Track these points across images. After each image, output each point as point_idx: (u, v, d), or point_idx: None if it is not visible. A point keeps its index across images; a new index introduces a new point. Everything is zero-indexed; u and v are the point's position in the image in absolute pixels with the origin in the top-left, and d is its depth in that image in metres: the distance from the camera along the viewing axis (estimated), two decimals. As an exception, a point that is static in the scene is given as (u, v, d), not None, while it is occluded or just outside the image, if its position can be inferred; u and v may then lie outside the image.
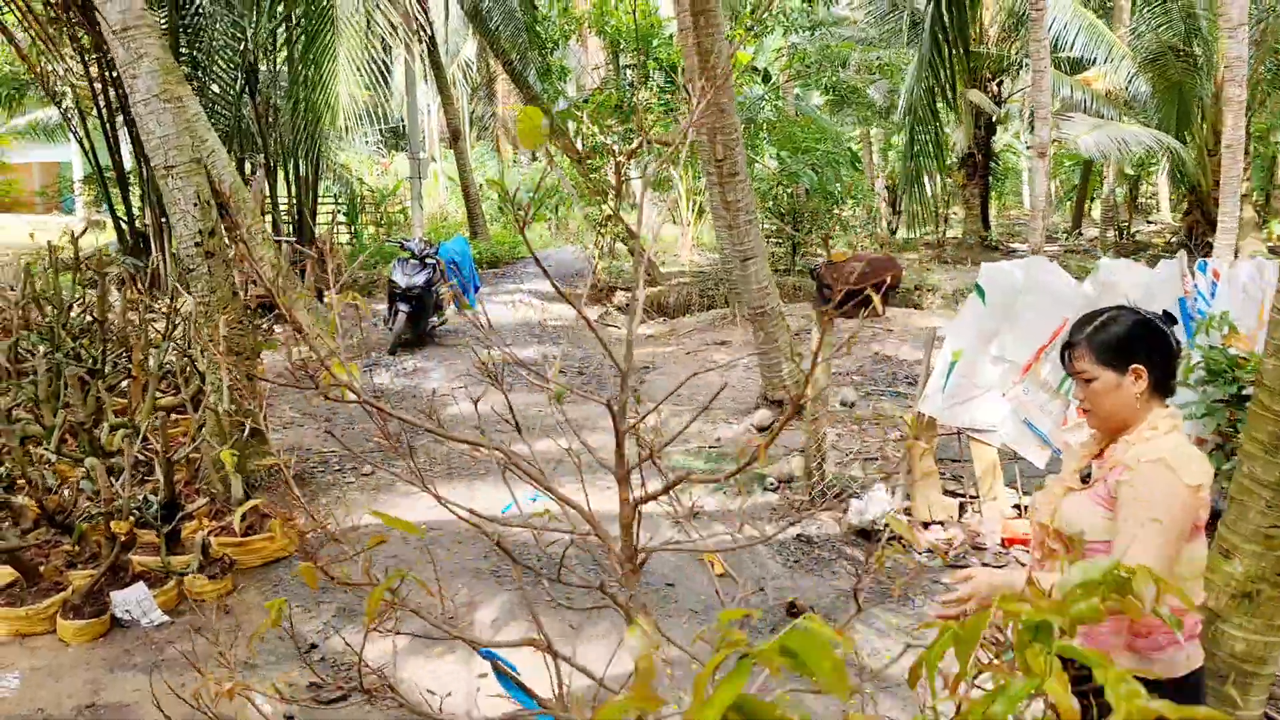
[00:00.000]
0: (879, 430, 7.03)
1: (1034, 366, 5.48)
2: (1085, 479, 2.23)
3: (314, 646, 4.03)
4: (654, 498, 1.69)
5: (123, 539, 4.05)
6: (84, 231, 6.83)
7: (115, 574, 4.20)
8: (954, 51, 9.75)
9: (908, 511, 5.49)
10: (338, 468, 6.29)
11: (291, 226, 14.80)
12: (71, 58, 12.66)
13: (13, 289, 6.88)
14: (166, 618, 4.18)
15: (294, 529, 4.95)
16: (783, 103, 16.69)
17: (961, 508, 5.58)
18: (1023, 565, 5.05)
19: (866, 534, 5.27)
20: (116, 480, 4.54)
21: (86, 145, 13.27)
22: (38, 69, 13.26)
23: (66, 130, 15.22)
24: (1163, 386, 2.17)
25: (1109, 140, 14.21)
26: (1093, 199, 25.66)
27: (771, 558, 5.05)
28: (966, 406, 5.51)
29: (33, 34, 12.45)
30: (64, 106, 14.13)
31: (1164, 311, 2.25)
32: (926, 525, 5.44)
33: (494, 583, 4.74)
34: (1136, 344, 2.14)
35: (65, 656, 3.91)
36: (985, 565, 4.98)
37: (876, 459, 6.04)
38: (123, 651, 3.94)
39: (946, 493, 5.70)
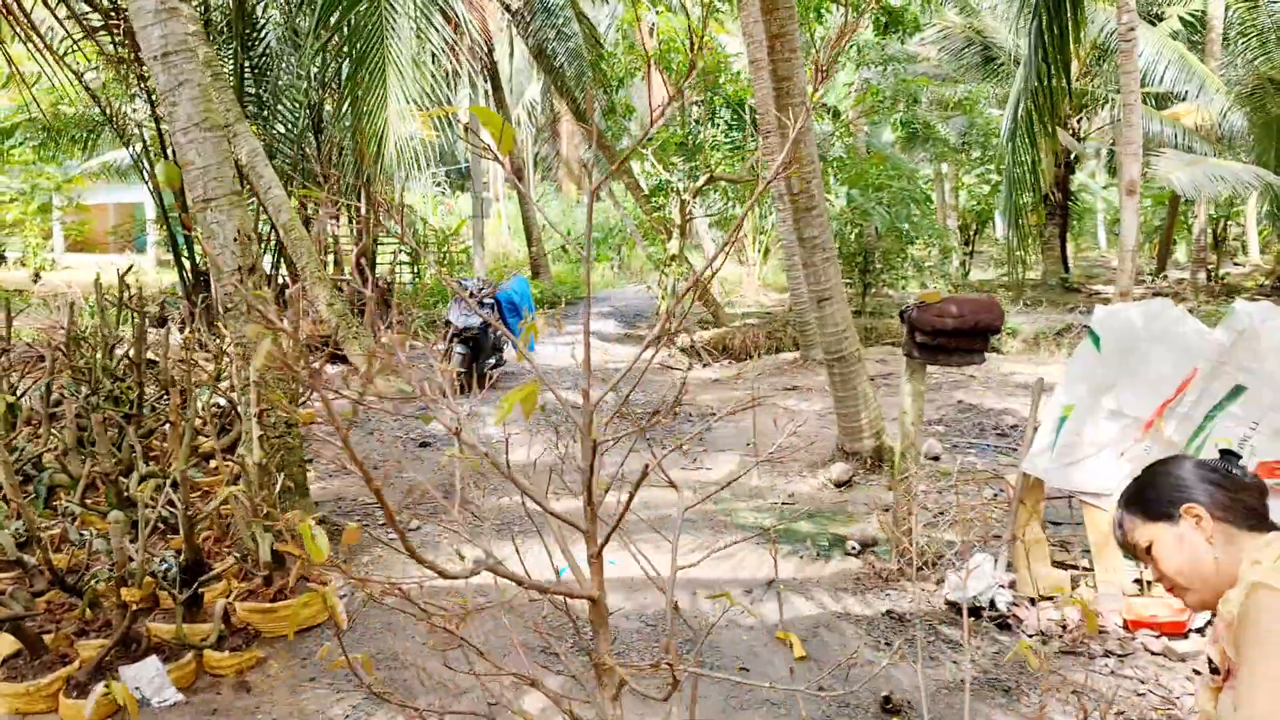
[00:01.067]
0: (971, 487, 6.40)
1: (1156, 423, 4.83)
2: (1214, 670, 1.75)
3: (340, 734, 3.55)
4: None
5: (135, 606, 3.64)
6: (130, 268, 6.56)
7: (127, 646, 3.78)
8: (1054, 76, 9.16)
9: (1012, 585, 4.85)
10: (381, 522, 5.85)
11: (352, 267, 14.66)
12: (141, 98, 12.72)
13: (63, 328, 6.66)
14: (180, 696, 3.75)
15: (328, 593, 4.52)
16: (853, 139, 16.18)
17: (1074, 582, 4.93)
18: (1152, 654, 4.39)
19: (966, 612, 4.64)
20: (141, 536, 4.16)
21: (154, 188, 13.30)
22: (109, 111, 13.36)
23: (140, 171, 15.41)
24: (1240, 517, 1.76)
25: (1205, 177, 13.39)
26: (1175, 241, 24.57)
27: (858, 637, 4.45)
28: (1079, 467, 4.88)
29: (103, 75, 12.54)
30: (135, 148, 14.24)
31: (1221, 451, 1.87)
32: (1033, 602, 4.80)
33: (546, 660, 4.23)
34: (1180, 485, 1.82)
35: (64, 742, 3.50)
36: (1108, 652, 4.32)
37: (973, 522, 5.41)
38: (131, 739, 3.50)
39: (1056, 564, 5.05)
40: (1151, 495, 1.86)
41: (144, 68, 11.73)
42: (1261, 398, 4.59)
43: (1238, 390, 4.70)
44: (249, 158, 9.55)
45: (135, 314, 5.83)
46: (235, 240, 4.95)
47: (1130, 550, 1.91)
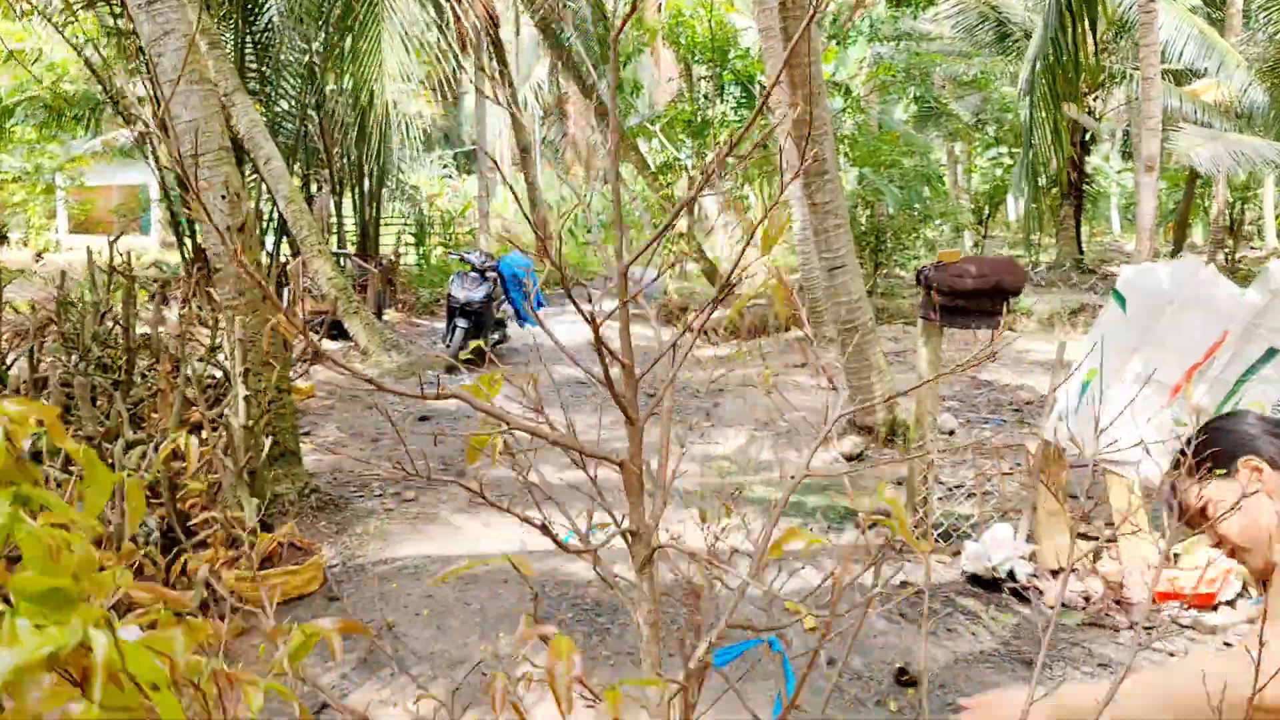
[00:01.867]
0: (990, 461, 6.19)
1: (1184, 388, 4.62)
2: None
3: (324, 707, 3.38)
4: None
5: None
6: (119, 235, 6.38)
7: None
8: (1079, 27, 8.87)
9: (1032, 557, 4.65)
10: (378, 493, 5.68)
11: (356, 244, 14.50)
12: (143, 74, 12.54)
13: (54, 297, 6.50)
14: (160, 665, 3.57)
15: (318, 563, 4.35)
16: (864, 117, 15.90)
17: (1096, 554, 4.72)
18: (1180, 627, 4.19)
19: (985, 582, 4.45)
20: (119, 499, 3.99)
21: (158, 167, 13.12)
22: (110, 88, 13.17)
23: (143, 151, 15.23)
24: None
25: (1225, 152, 13.08)
26: (1191, 224, 24.18)
27: (872, 609, 4.26)
28: (1102, 434, 4.67)
29: (105, 51, 12.34)
30: (136, 128, 14.05)
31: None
32: (1055, 573, 4.60)
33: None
34: (1239, 437, 1.65)
35: (36, 710, 3.33)
36: (1134, 625, 4.12)
37: (992, 494, 5.21)
38: None
39: (1079, 535, 4.85)
40: (1207, 451, 1.68)
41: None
42: (1295, 360, 4.37)
43: (1271, 353, 4.48)
44: (248, 129, 9.36)
45: (124, 278, 5.65)
46: (224, 198, 4.76)
47: (1184, 515, 1.71)
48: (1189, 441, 1.71)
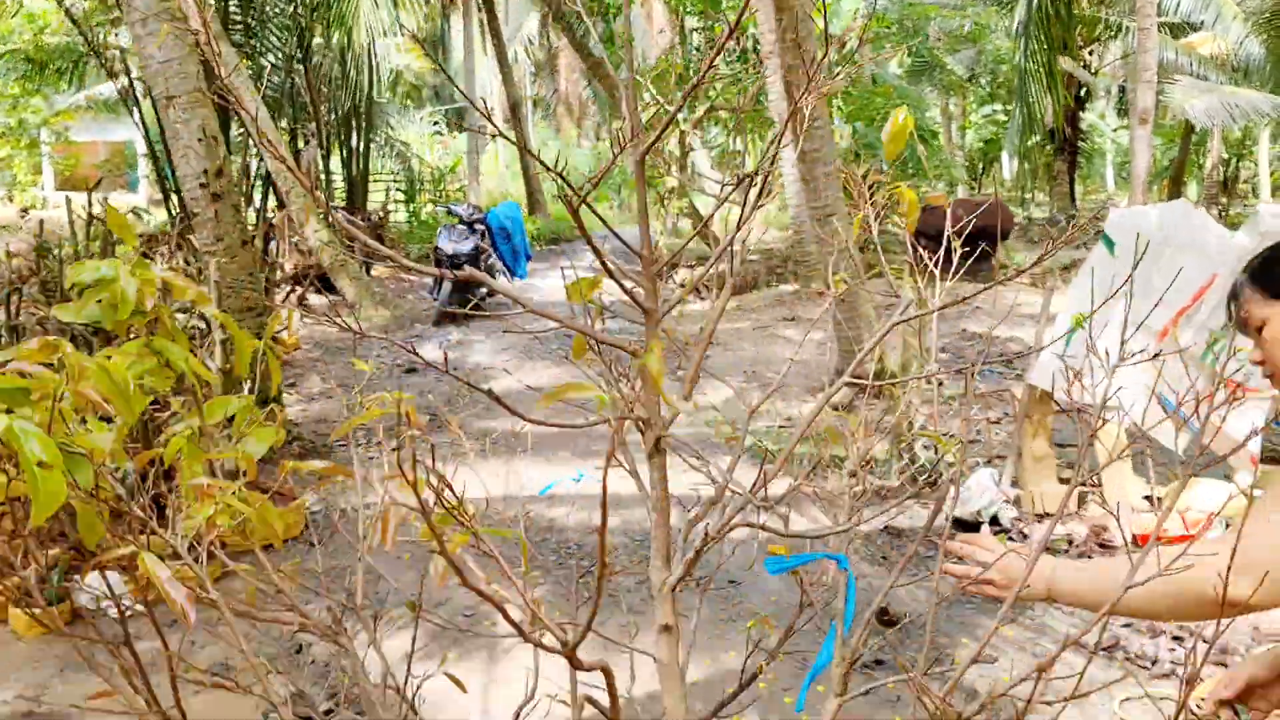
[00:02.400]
0: (978, 409, 6.19)
1: (1172, 331, 4.59)
2: None
3: (302, 648, 3.37)
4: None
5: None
6: (98, 183, 6.29)
7: (83, 555, 3.59)
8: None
9: (1017, 502, 4.65)
10: (361, 442, 5.65)
11: (344, 200, 14.37)
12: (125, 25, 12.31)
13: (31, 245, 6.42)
14: (139, 606, 3.56)
15: (300, 508, 4.33)
16: (857, 70, 15.72)
17: (1081, 499, 4.73)
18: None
19: (969, 526, 4.45)
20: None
21: (143, 122, 12.92)
22: (92, 40, 12.93)
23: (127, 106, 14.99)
24: None
25: (1220, 105, 12.97)
26: (1185, 180, 24.08)
27: (855, 552, 4.26)
28: (1089, 379, 4.65)
29: (84, 2, 12.12)
30: (120, 82, 13.82)
31: None
32: (1040, 518, 4.60)
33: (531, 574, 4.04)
34: None
35: (14, 652, 3.33)
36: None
37: (978, 441, 5.21)
38: (82, 647, 3.32)
39: (1063, 481, 4.84)
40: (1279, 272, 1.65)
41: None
42: (1284, 304, 4.34)
43: (1259, 296, 4.46)
44: (231, 80, 9.20)
45: (103, 224, 5.57)
46: (200, 141, 4.68)
47: (1242, 325, 1.70)
48: (1261, 257, 1.67)
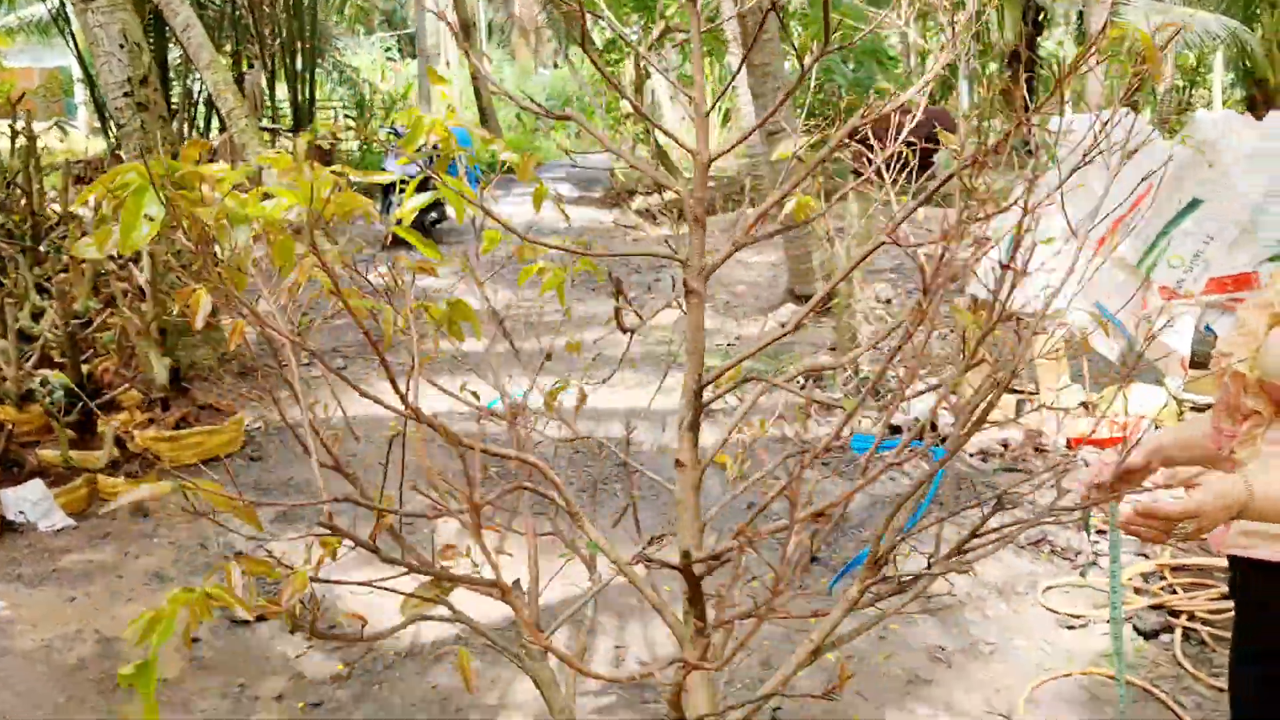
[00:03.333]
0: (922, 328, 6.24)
1: (1109, 240, 4.63)
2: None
3: (238, 554, 3.35)
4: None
5: (9, 427, 3.38)
6: (21, 97, 6.03)
7: (8, 469, 3.53)
8: None
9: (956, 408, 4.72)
10: (306, 362, 5.59)
11: (289, 124, 14.01)
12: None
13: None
14: (71, 521, 3.53)
15: (238, 423, 4.29)
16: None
17: (1019, 405, 4.80)
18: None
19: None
20: (27, 364, 3.88)
21: (76, 45, 12.42)
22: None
23: (60, 29, 14.38)
24: None
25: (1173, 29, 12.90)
26: (1140, 108, 24.13)
27: (796, 459, 4.31)
28: (1025, 286, 4.69)
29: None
30: (50, 1, 13.25)
31: None
32: (977, 424, 4.67)
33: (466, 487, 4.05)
34: None
35: (-58, 564, 3.28)
36: (1050, 469, 4.21)
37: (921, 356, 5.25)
38: (9, 560, 3.29)
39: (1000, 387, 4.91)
40: None
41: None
42: (1219, 210, 4.40)
43: (1194, 204, 4.51)
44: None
45: (28, 139, 5.37)
46: (122, 47, 4.50)
47: None
48: None
